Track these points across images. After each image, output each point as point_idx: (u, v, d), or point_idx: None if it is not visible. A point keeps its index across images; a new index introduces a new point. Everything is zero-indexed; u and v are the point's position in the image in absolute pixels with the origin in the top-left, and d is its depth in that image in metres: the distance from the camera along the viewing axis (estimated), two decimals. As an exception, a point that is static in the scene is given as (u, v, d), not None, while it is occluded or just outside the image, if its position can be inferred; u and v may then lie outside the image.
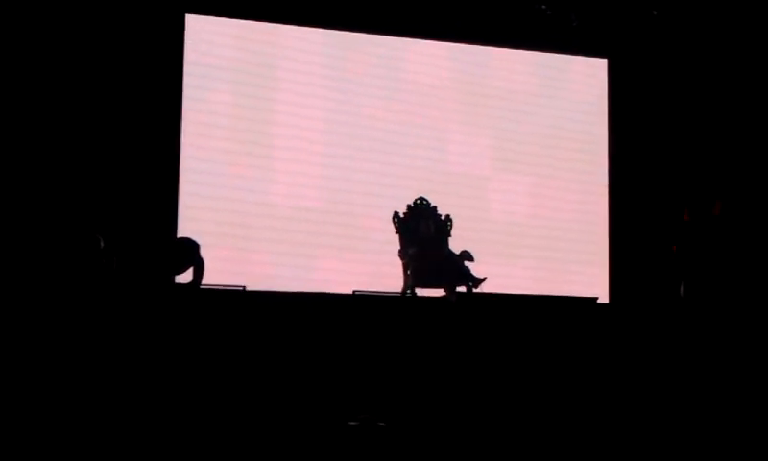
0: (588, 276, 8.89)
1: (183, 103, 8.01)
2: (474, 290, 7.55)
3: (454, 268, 7.65)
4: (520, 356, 7.16)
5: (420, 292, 7.57)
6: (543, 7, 8.74)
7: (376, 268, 8.04)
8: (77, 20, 7.70)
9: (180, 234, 7.46)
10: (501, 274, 7.95)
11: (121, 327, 6.40)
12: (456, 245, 7.81)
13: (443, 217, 7.92)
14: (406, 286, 7.58)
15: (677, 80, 9.14)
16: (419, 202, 7.92)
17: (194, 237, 7.06)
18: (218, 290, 6.78)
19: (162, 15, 7.96)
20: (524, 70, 9.15)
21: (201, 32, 8.18)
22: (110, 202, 7.32)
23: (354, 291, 7.31)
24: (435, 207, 7.93)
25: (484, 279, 7.59)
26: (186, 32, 8.11)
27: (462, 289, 7.55)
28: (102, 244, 6.60)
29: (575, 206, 9.07)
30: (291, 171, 8.32)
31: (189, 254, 6.92)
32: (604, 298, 8.65)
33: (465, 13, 8.74)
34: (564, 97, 9.21)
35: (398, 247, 7.73)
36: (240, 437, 6.29)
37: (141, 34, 7.85)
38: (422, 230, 7.80)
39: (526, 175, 8.99)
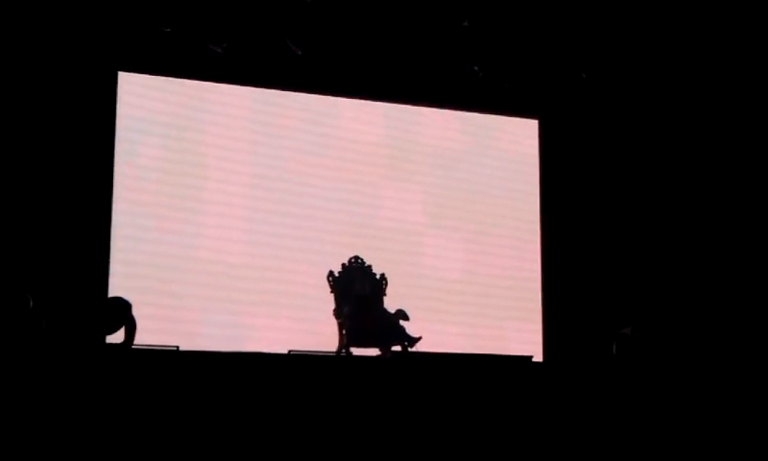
0: (523, 333, 8.91)
1: (115, 159, 7.92)
2: (409, 349, 7.54)
3: (389, 327, 7.64)
4: (455, 415, 7.16)
5: (356, 351, 7.54)
6: (476, 69, 8.84)
7: (311, 327, 7.98)
8: (10, 73, 7.61)
9: (111, 294, 7.33)
10: (436, 332, 7.95)
11: (51, 389, 6.26)
12: (391, 304, 7.80)
13: (377, 276, 7.91)
14: (341, 345, 7.55)
15: (606, 140, 9.32)
16: (353, 260, 7.90)
17: (125, 296, 6.97)
18: (151, 350, 6.68)
19: (96, 71, 7.89)
20: (455, 129, 9.21)
21: (133, 86, 8.12)
22: (40, 260, 7.17)
23: (290, 351, 7.25)
24: (370, 266, 7.91)
25: (419, 339, 7.57)
26: (119, 87, 8.04)
27: (397, 348, 7.53)
28: (31, 303, 6.47)
29: (508, 264, 9.11)
30: (221, 226, 8.24)
31: (121, 313, 6.82)
32: (539, 356, 8.68)
33: (396, 73, 8.78)
34: (496, 156, 9.29)
35: (333, 306, 7.71)
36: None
37: (75, 89, 7.77)
38: (357, 289, 7.79)
39: (458, 233, 9.01)
